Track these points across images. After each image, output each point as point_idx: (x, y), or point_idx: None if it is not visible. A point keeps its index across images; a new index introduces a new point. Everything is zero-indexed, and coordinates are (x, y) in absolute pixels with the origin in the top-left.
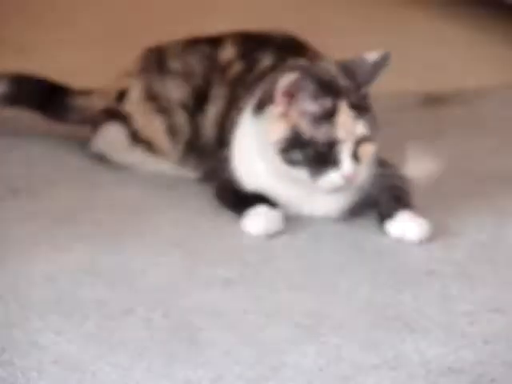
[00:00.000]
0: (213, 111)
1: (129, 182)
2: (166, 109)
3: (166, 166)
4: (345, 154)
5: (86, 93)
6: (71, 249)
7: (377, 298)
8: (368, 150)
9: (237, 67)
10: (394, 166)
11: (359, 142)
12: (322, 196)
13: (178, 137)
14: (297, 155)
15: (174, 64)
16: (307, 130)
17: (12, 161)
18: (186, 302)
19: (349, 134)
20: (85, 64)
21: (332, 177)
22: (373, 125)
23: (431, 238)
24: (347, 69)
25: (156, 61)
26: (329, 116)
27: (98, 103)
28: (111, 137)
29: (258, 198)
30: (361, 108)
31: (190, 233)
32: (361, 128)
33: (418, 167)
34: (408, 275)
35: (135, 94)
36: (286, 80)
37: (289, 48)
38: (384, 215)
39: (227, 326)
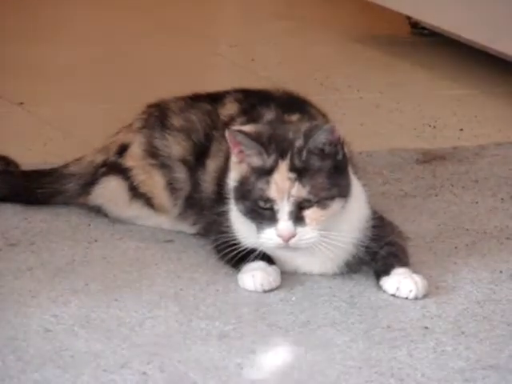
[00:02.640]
0: (213, 166)
1: (126, 235)
2: (167, 165)
3: (164, 221)
4: (281, 213)
5: (75, 160)
6: (68, 302)
7: (371, 354)
8: (312, 213)
9: (239, 123)
10: (390, 222)
11: (301, 203)
12: (316, 254)
13: (177, 192)
14: (241, 206)
15: (176, 121)
16: (249, 182)
17: (10, 213)
18: (181, 355)
19: (282, 194)
20: (85, 116)
21: (269, 234)
22: (329, 187)
23: (426, 294)
24: (310, 131)
25: (158, 117)
26: (268, 174)
27: (96, 158)
28: (111, 191)
29: (255, 254)
30: (306, 170)
31: (187, 286)
32: (297, 191)
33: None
34: (403, 331)
35: (136, 149)
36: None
37: (290, 105)
38: (380, 271)
39: (222, 380)
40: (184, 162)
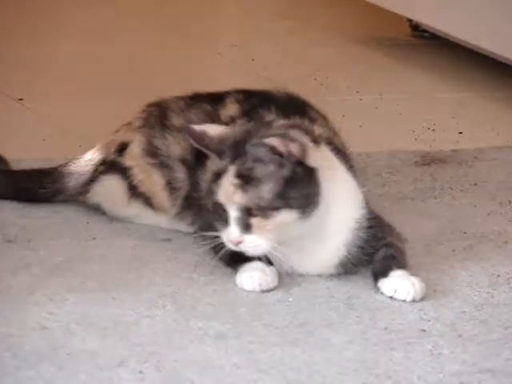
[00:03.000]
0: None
1: (124, 234)
2: (166, 164)
3: (163, 220)
4: (230, 218)
5: (75, 159)
6: (65, 299)
7: (368, 355)
8: (258, 222)
9: (239, 124)
10: (389, 224)
11: (247, 210)
12: (310, 254)
13: (176, 192)
14: (209, 205)
15: (176, 120)
16: (210, 182)
17: (7, 210)
18: (178, 354)
19: (228, 200)
20: (85, 115)
21: (223, 236)
22: (272, 197)
23: (424, 297)
24: (256, 141)
25: (158, 117)
26: (219, 177)
27: (95, 156)
28: (109, 189)
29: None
30: (251, 178)
31: (184, 286)
32: (239, 197)
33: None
34: (400, 334)
35: (136, 148)
36: None
37: (291, 107)
38: (378, 273)
39: (219, 380)
40: (183, 161)
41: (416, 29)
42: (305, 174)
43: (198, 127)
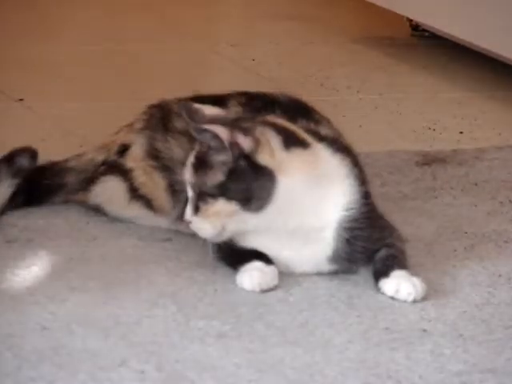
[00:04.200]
0: None
1: (124, 234)
2: (168, 167)
3: (164, 221)
4: (188, 197)
5: (76, 156)
6: (65, 299)
7: (369, 355)
8: (201, 205)
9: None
10: (390, 224)
11: (202, 194)
12: (297, 251)
13: (178, 195)
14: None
15: (178, 123)
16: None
17: (8, 210)
18: (179, 354)
19: (186, 177)
20: (85, 115)
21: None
22: (213, 184)
23: (425, 297)
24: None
25: (160, 119)
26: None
27: (96, 156)
28: (110, 191)
29: (253, 254)
30: (204, 161)
31: (185, 286)
32: (189, 176)
33: None
34: (401, 334)
35: (137, 150)
36: None
37: (295, 109)
38: (379, 273)
39: (220, 380)
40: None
41: (416, 28)
42: (250, 169)
43: (196, 104)
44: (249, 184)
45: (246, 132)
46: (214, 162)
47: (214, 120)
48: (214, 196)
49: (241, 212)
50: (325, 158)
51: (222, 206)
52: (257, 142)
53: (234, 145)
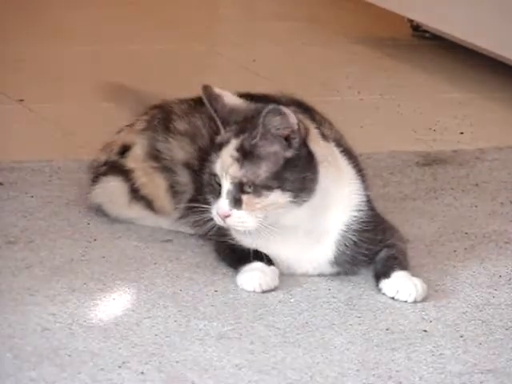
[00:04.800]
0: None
1: (125, 235)
2: (169, 168)
3: (164, 222)
4: (222, 190)
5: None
6: (66, 300)
7: (370, 356)
8: (248, 199)
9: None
10: (391, 225)
11: (241, 185)
12: (302, 251)
13: (179, 196)
14: (203, 177)
15: (180, 124)
16: (210, 154)
17: (9, 211)
18: (179, 355)
19: (223, 171)
20: (85, 114)
21: (213, 210)
22: (268, 176)
23: (425, 297)
24: (265, 116)
25: (162, 120)
26: (220, 149)
27: (98, 156)
28: (111, 191)
29: (254, 255)
30: (252, 154)
31: (186, 287)
32: (234, 171)
33: None
34: (401, 334)
35: (139, 151)
36: None
37: (297, 111)
38: (380, 274)
39: (220, 381)
40: (187, 165)
41: (417, 29)
42: (305, 158)
43: (217, 89)
44: (304, 173)
45: (299, 118)
46: (267, 153)
47: (235, 110)
48: (270, 188)
49: (289, 204)
50: (339, 157)
51: (276, 198)
52: (306, 129)
53: (299, 129)
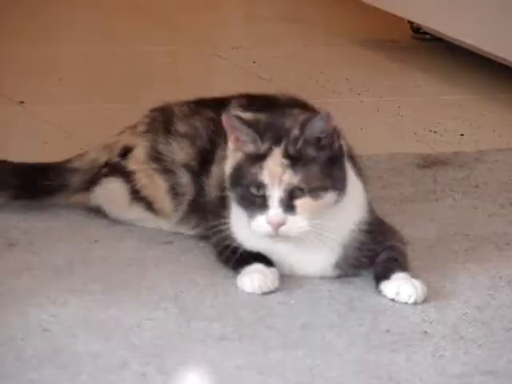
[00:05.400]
0: (217, 172)
1: (126, 236)
2: (170, 170)
3: (165, 224)
4: (272, 199)
5: (78, 156)
6: (67, 302)
7: (370, 357)
8: (304, 203)
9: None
10: (391, 227)
11: (292, 191)
12: (307, 254)
13: (180, 197)
14: (235, 193)
15: (180, 126)
16: (243, 168)
17: (9, 213)
18: (180, 356)
19: (275, 180)
20: (85, 116)
21: (259, 221)
22: (322, 177)
23: (425, 299)
24: (307, 120)
25: (162, 122)
26: (262, 159)
27: (99, 157)
28: (112, 192)
29: (254, 256)
30: (300, 159)
31: (186, 288)
32: (289, 177)
33: None
34: (402, 336)
35: (139, 152)
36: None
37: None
38: (380, 275)
39: (221, 382)
40: (188, 167)
41: (417, 31)
42: (341, 155)
43: (233, 112)
44: (343, 171)
45: None
46: (314, 156)
47: (258, 122)
48: (326, 188)
49: (334, 203)
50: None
51: (330, 197)
52: (339, 130)
53: (338, 132)
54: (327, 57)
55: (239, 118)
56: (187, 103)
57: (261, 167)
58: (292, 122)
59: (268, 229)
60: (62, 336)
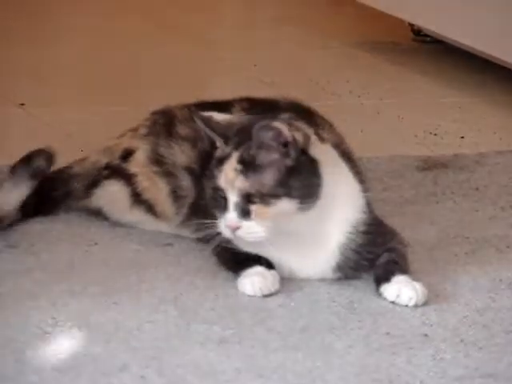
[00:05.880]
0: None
1: (126, 239)
2: (171, 173)
3: (165, 226)
4: (229, 204)
5: (79, 161)
6: (67, 304)
7: (370, 360)
8: (258, 209)
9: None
10: (391, 229)
11: (248, 196)
12: (306, 256)
13: (181, 200)
14: (206, 193)
15: (181, 129)
16: (212, 169)
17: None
18: (180, 359)
19: (228, 184)
20: (86, 119)
21: (221, 223)
22: (274, 185)
23: (426, 302)
24: (260, 127)
25: (164, 125)
26: (222, 163)
27: (100, 159)
28: (112, 195)
29: (254, 259)
30: (253, 165)
31: (186, 291)
32: (240, 183)
33: None
34: (402, 338)
35: (141, 155)
36: None
37: (297, 115)
38: (380, 278)
39: None
40: (189, 170)
41: (418, 33)
42: (307, 164)
43: (205, 113)
44: (308, 179)
45: (296, 127)
46: (268, 162)
47: (231, 125)
48: (278, 196)
49: (297, 210)
50: (338, 159)
51: (284, 205)
52: (305, 136)
53: (294, 140)
54: (327, 59)
55: (208, 121)
56: (188, 106)
57: (220, 171)
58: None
59: (227, 231)
60: (62, 338)
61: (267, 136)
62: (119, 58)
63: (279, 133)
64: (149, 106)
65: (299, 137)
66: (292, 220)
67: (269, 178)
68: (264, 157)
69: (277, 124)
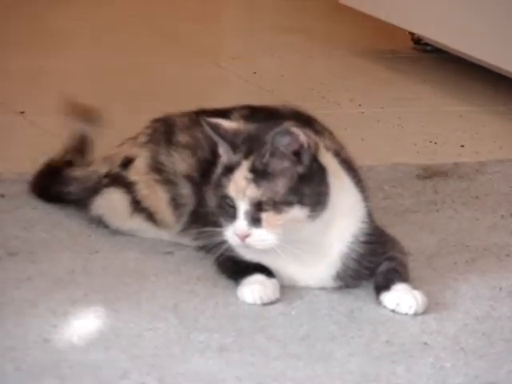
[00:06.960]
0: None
1: (126, 247)
2: (171, 181)
3: (165, 234)
4: (238, 212)
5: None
6: (67, 312)
7: (370, 368)
8: (268, 216)
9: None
10: (391, 237)
11: (258, 204)
12: (307, 265)
13: (181, 208)
14: (212, 200)
15: (181, 137)
16: (219, 178)
17: (10, 223)
18: (180, 367)
19: (239, 193)
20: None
21: (229, 232)
22: (286, 192)
23: (426, 310)
24: (274, 134)
25: (164, 133)
26: (231, 171)
27: (100, 168)
28: (113, 203)
29: (255, 267)
30: (265, 172)
31: (186, 299)
32: (252, 191)
33: None
34: (402, 347)
35: (141, 163)
36: None
37: (297, 122)
38: (380, 286)
39: None
40: (189, 178)
41: (418, 42)
42: (318, 171)
43: (212, 119)
44: (319, 187)
45: (306, 134)
46: (280, 170)
47: (238, 133)
48: (290, 203)
49: (307, 218)
50: (339, 168)
51: (295, 212)
52: (316, 143)
53: (309, 146)
54: (328, 68)
55: (217, 128)
56: (188, 114)
57: (229, 180)
58: (266, 135)
59: (236, 239)
60: (62, 346)
61: (284, 141)
62: (119, 66)
63: (296, 138)
64: (149, 114)
65: (312, 143)
66: (299, 229)
67: (281, 185)
68: (277, 164)
69: (294, 129)
